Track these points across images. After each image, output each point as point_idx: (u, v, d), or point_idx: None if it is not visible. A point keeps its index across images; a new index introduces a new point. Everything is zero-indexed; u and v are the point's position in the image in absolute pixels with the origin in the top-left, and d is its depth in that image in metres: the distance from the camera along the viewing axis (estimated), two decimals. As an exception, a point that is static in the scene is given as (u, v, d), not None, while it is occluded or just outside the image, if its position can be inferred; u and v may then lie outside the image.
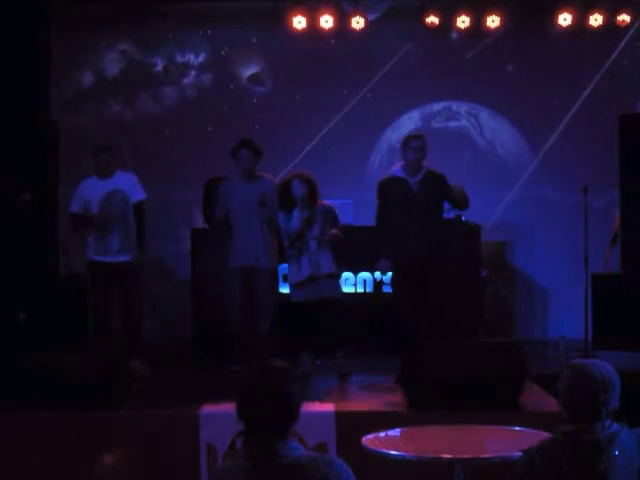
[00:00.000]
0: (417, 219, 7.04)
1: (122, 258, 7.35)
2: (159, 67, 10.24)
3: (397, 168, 7.25)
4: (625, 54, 10.01)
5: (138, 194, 7.43)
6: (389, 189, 7.21)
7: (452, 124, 10.25)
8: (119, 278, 7.34)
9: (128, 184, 7.41)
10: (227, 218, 7.48)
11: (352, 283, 8.52)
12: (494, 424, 4.75)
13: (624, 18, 9.80)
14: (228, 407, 4.11)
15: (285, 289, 8.48)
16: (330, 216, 7.38)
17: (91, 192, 7.34)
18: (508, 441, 4.36)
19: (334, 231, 7.26)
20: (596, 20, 9.77)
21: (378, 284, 8.59)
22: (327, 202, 7.49)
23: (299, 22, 9.72)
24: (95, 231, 7.34)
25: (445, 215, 8.00)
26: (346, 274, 8.42)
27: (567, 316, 9.20)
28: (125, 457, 5.50)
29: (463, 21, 9.80)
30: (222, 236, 7.54)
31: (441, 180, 7.21)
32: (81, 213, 7.32)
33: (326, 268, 7.26)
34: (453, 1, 9.79)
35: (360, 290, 8.59)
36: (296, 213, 7.28)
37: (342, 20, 9.77)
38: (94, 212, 7.31)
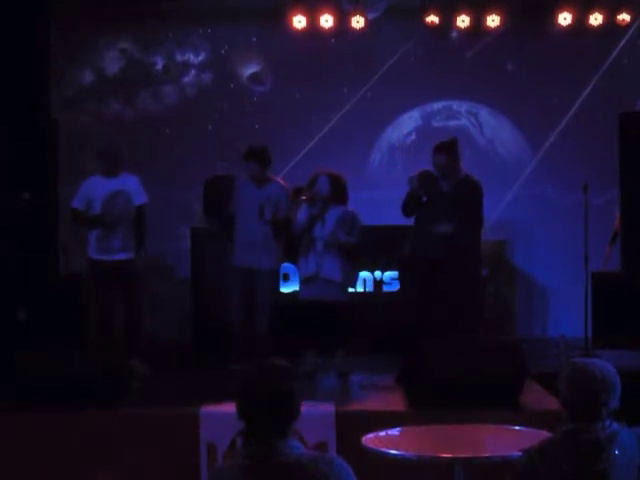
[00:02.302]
0: (439, 220, 7.00)
1: (123, 256, 7.36)
2: (159, 66, 10.23)
3: None
4: (625, 53, 10.00)
5: (140, 197, 7.47)
6: (422, 183, 7.18)
7: (452, 123, 10.24)
8: (120, 277, 7.34)
9: (132, 186, 7.45)
10: (232, 216, 7.51)
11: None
12: (494, 423, 4.75)
13: (624, 17, 9.80)
14: (228, 406, 4.11)
15: (286, 288, 8.50)
16: (347, 222, 7.20)
17: (95, 190, 7.36)
18: (508, 440, 4.37)
19: (343, 237, 7.13)
20: (596, 19, 9.77)
21: (378, 284, 8.59)
22: (352, 208, 7.36)
23: (299, 21, 9.72)
24: (97, 230, 7.35)
25: None
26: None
27: (567, 315, 9.19)
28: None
29: (463, 20, 9.80)
30: (224, 232, 7.56)
31: (472, 186, 7.14)
32: (83, 211, 7.33)
33: (326, 272, 7.13)
34: (453, 0, 9.79)
35: (360, 290, 8.59)
36: (305, 208, 7.25)
37: (342, 19, 9.77)
38: (96, 210, 7.33)
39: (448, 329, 6.86)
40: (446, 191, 7.11)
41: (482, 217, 7.31)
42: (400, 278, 8.47)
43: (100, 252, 7.34)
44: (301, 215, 7.24)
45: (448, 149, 7.16)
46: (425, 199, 7.15)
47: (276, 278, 7.86)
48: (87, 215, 7.36)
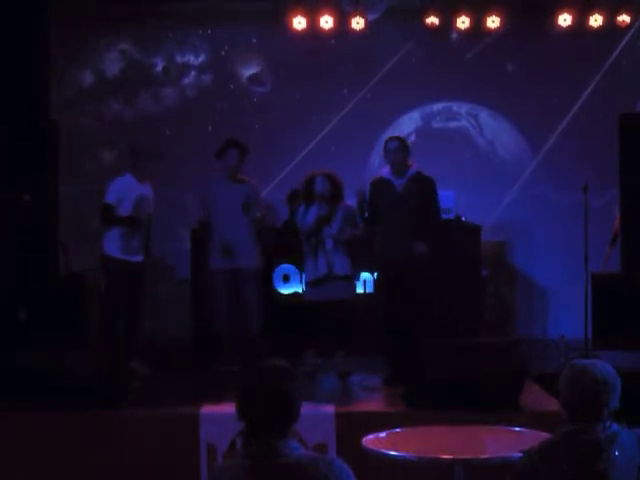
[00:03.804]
0: (401, 220, 7.01)
1: (140, 258, 7.39)
2: (159, 67, 10.23)
3: (385, 170, 7.24)
4: (625, 54, 10.02)
5: (152, 206, 7.54)
6: (375, 190, 7.21)
7: (452, 124, 10.25)
8: (132, 278, 7.31)
9: (150, 193, 7.50)
10: (208, 221, 7.48)
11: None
12: (494, 424, 4.76)
13: (624, 18, 9.81)
14: (228, 407, 4.11)
15: (287, 289, 8.49)
16: (350, 217, 7.27)
17: (128, 191, 7.32)
18: (508, 441, 4.37)
19: (350, 231, 7.20)
20: (596, 20, 9.77)
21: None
22: (349, 203, 7.39)
23: (299, 22, 9.72)
24: (122, 229, 7.31)
25: (445, 216, 8.06)
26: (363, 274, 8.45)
27: (567, 315, 9.20)
28: None
29: (463, 21, 9.80)
30: (204, 238, 7.54)
31: (427, 183, 7.16)
32: (112, 205, 7.26)
33: (339, 269, 7.15)
34: (453, 1, 9.79)
35: (360, 290, 8.58)
36: (313, 210, 7.25)
37: (342, 20, 9.77)
38: (126, 210, 7.27)
39: (444, 327, 6.89)
40: (400, 191, 7.10)
41: (439, 211, 7.34)
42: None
43: (124, 252, 7.28)
44: (309, 217, 7.23)
45: (399, 138, 7.28)
46: (367, 215, 7.24)
47: (262, 277, 7.73)
48: (117, 213, 7.30)
